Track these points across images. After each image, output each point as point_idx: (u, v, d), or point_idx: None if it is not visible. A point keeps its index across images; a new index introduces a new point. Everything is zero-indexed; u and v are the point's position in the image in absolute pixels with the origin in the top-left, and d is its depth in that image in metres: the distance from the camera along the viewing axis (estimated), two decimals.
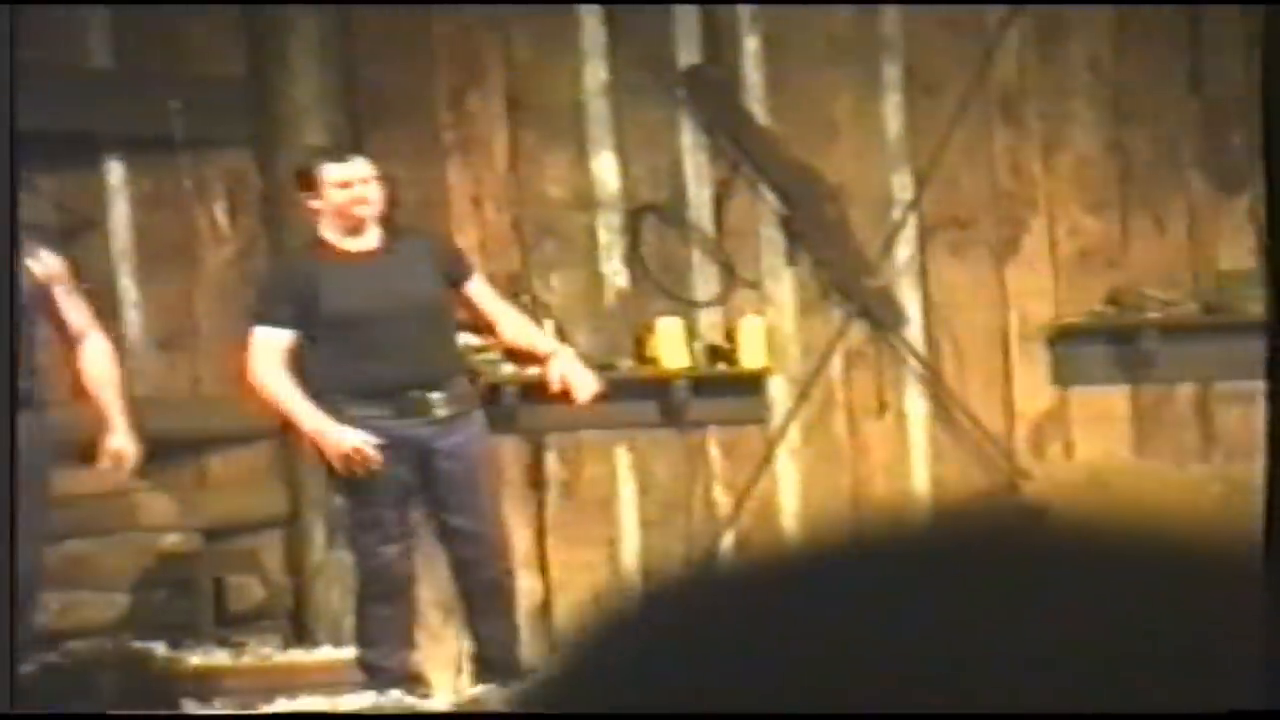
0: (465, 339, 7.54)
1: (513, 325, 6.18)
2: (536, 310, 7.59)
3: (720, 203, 7.72)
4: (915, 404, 7.83)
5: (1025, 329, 7.86)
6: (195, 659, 6.35)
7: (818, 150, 7.70)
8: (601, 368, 7.60)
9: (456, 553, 5.92)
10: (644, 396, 7.59)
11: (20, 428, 5.24)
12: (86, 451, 5.87)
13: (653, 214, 7.70)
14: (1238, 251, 7.92)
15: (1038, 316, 7.85)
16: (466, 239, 7.56)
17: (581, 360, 6.22)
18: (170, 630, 6.61)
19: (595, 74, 7.64)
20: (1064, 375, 7.87)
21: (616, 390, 7.49)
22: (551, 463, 7.62)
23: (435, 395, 5.84)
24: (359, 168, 5.92)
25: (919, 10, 7.75)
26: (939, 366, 7.81)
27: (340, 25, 7.40)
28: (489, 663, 5.95)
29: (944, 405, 7.82)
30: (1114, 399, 7.88)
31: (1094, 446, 7.84)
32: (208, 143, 7.20)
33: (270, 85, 7.30)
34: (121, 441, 5.75)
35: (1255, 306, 7.82)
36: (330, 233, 5.87)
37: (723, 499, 7.61)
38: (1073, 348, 7.84)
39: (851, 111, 7.77)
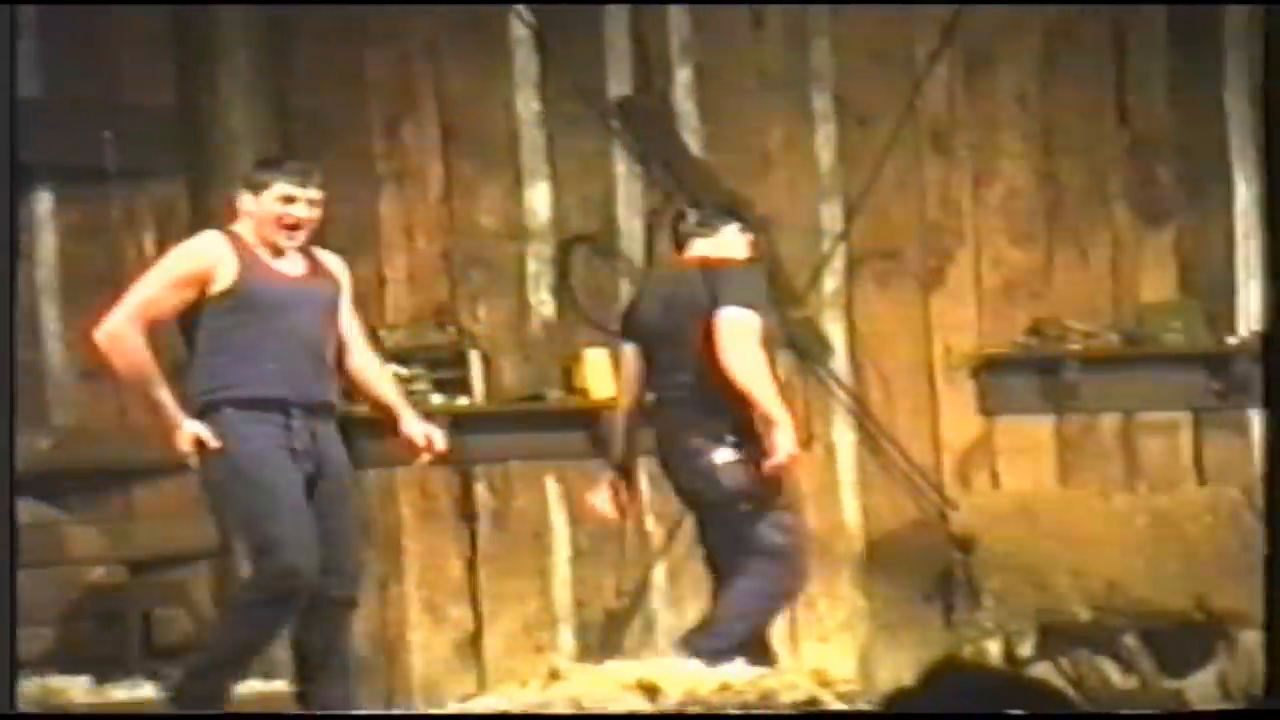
0: (394, 368, 7.55)
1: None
2: (463, 340, 7.60)
3: (652, 233, 7.74)
4: (843, 435, 7.86)
5: (950, 359, 7.92)
6: (121, 693, 6.30)
7: (750, 180, 7.74)
8: (529, 398, 7.64)
9: None
10: (572, 427, 7.59)
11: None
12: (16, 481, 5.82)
13: (584, 244, 7.71)
14: (1160, 284, 8.01)
15: (962, 347, 7.91)
16: (395, 269, 7.57)
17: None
18: (97, 664, 6.57)
19: (528, 104, 7.66)
20: (990, 405, 7.93)
21: (545, 420, 7.52)
22: (482, 493, 7.62)
23: None
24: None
25: (849, 42, 7.80)
26: (866, 397, 7.85)
27: (272, 54, 7.39)
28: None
29: (871, 436, 7.87)
30: (1039, 429, 7.94)
31: (1020, 477, 7.90)
32: (138, 173, 7.17)
33: (201, 115, 7.29)
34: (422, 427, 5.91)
35: (1175, 338, 7.92)
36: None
37: (655, 529, 7.62)
38: (998, 378, 7.91)
39: (783, 142, 7.82)
